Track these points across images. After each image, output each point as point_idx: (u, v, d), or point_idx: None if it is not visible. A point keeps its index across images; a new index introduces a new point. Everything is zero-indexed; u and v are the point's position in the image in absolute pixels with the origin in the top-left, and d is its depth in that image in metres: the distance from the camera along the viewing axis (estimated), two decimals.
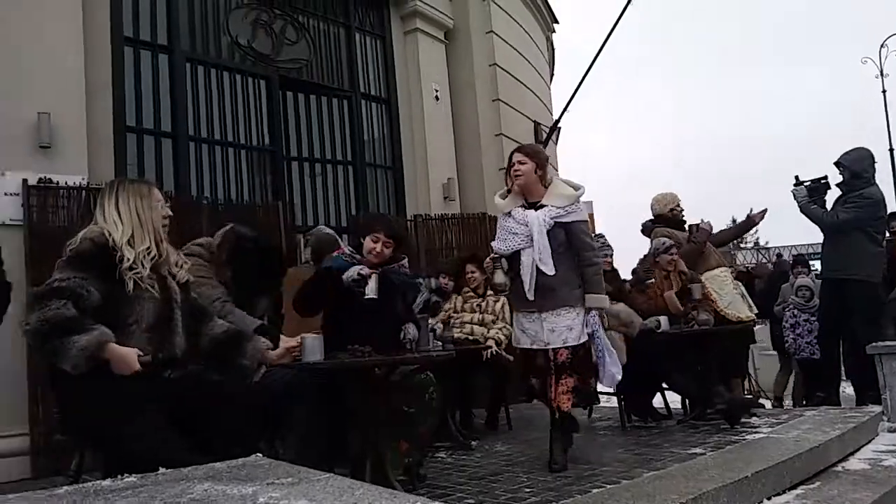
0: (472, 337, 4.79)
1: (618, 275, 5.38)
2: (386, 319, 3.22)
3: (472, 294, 5.01)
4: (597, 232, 5.30)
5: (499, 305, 4.92)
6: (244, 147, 5.90)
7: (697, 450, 3.76)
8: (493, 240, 3.70)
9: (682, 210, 5.61)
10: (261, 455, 1.75)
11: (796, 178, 5.55)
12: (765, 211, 5.71)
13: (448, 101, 7.36)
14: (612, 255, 5.23)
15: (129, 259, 2.20)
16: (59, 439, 2.46)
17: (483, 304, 4.96)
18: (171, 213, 2.47)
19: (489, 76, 7.56)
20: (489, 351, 4.61)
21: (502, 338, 4.74)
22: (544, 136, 8.54)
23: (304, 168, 6.43)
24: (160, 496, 1.31)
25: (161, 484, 1.44)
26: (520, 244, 3.50)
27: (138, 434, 2.03)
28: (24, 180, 4.45)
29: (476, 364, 4.59)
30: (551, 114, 9.29)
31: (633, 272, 5.44)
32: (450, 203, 7.04)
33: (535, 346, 3.55)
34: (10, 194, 4.44)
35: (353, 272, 3.06)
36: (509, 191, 3.63)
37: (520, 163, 3.54)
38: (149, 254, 2.28)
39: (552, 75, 10.53)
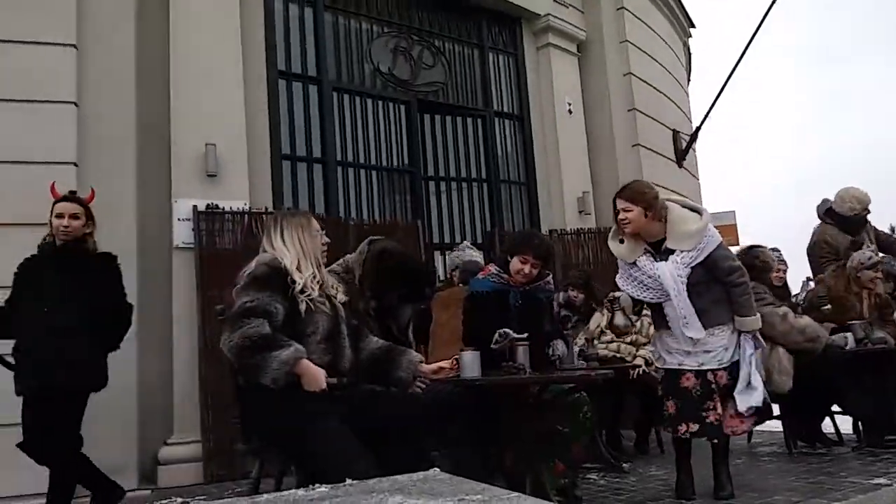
0: (619, 355, 4.65)
1: (788, 291, 5.02)
2: (533, 337, 3.20)
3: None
4: (771, 245, 4.83)
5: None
6: (385, 169, 6.13)
7: (881, 480, 3.42)
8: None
9: (868, 212, 5.10)
10: (438, 469, 1.78)
11: None
12: None
13: (581, 114, 7.27)
14: (785, 271, 4.89)
15: (300, 283, 2.37)
16: (240, 448, 2.60)
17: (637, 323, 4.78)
18: (328, 240, 2.65)
19: (624, 86, 7.39)
20: (638, 370, 4.45)
21: (651, 357, 4.57)
22: (684, 144, 8.21)
23: (440, 187, 6.57)
24: None
25: (352, 495, 1.50)
26: (655, 298, 3.25)
27: (323, 442, 2.13)
28: (194, 206, 4.86)
29: (624, 383, 4.44)
30: (690, 121, 8.93)
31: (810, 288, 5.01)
32: (585, 217, 6.93)
33: (684, 367, 3.25)
34: (183, 220, 4.87)
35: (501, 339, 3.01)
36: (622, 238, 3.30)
37: (625, 210, 3.20)
38: (314, 279, 2.44)
39: (689, 80, 10.13)
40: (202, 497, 4.10)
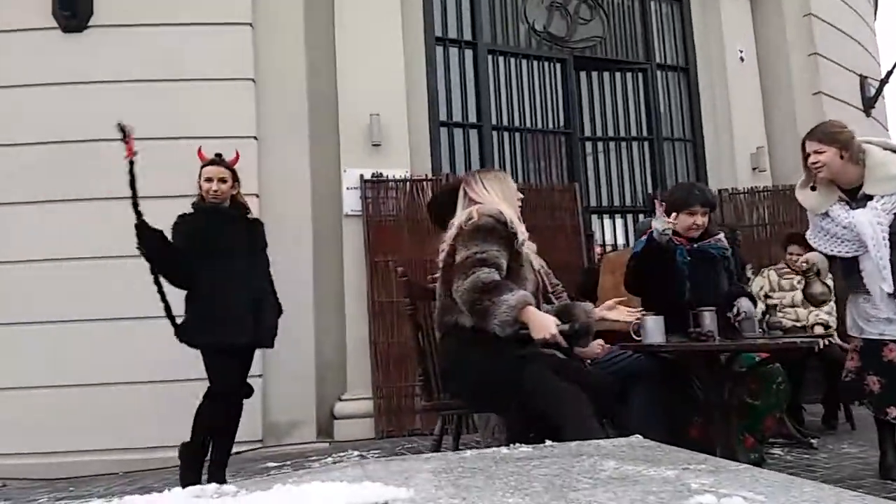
0: (801, 323, 4.27)
1: None
2: (710, 297, 2.99)
3: (787, 271, 4.45)
4: None
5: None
6: (540, 131, 6.01)
7: None
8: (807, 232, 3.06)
9: None
10: (639, 436, 1.70)
11: None
12: None
13: (755, 63, 6.64)
14: None
15: (523, 234, 2.36)
16: (422, 404, 2.66)
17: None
18: (522, 195, 2.62)
19: (804, 28, 6.65)
20: (824, 340, 4.05)
21: (831, 321, 4.16)
22: (872, 91, 7.30)
23: (597, 147, 6.33)
24: (574, 469, 1.32)
25: (561, 457, 1.46)
26: (850, 251, 2.85)
27: (531, 397, 2.12)
28: (361, 175, 5.05)
29: (808, 354, 4.07)
30: (879, 64, 7.92)
31: None
32: (760, 174, 6.37)
33: (885, 337, 2.85)
34: (351, 188, 5.08)
35: (662, 226, 2.87)
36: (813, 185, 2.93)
37: (816, 153, 2.84)
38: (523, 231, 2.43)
39: (875, 18, 8.96)
40: (377, 451, 4.31)
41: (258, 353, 4.45)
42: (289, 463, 4.12)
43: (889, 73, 7.25)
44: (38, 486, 4.13)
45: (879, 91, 7.35)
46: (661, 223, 2.87)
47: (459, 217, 2.41)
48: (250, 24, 4.83)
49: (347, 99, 5.10)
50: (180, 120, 4.57)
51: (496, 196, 2.46)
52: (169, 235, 3.10)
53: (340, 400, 4.92)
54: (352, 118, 5.07)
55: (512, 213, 2.39)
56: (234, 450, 4.35)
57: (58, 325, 4.37)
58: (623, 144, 6.37)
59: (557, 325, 2.20)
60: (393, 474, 1.38)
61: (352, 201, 5.08)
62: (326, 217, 5.04)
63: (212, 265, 3.03)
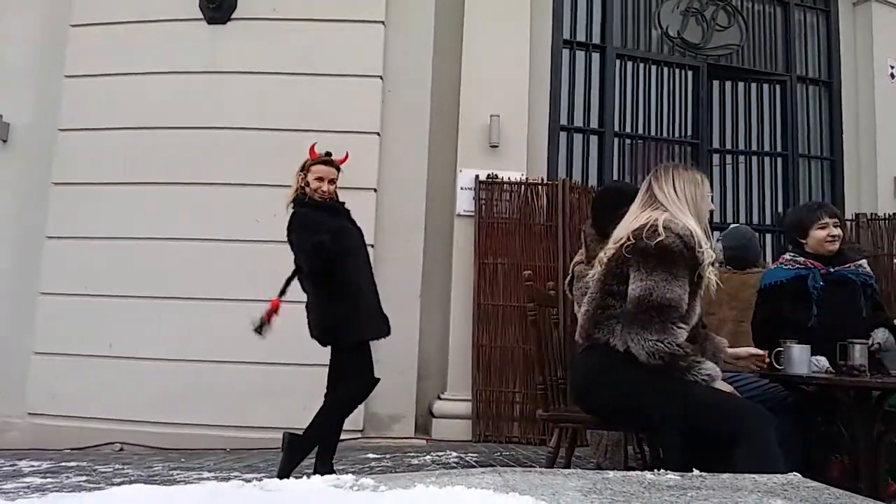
0: None
1: None
2: (848, 327, 2.72)
3: None
4: None
5: None
6: (665, 140, 5.77)
7: None
8: None
9: None
10: (798, 475, 1.55)
11: None
12: None
13: None
14: None
15: (709, 256, 2.09)
16: (540, 415, 2.58)
17: None
18: (714, 206, 2.35)
19: None
20: None
21: None
22: None
23: (725, 160, 6.01)
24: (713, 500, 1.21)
25: (719, 490, 1.35)
26: None
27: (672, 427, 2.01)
28: (476, 176, 5.02)
29: None
30: None
31: None
32: None
33: None
34: (465, 188, 5.06)
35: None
36: None
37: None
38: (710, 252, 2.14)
39: None
40: (474, 454, 4.26)
41: None
42: (388, 456, 4.14)
43: None
44: (152, 453, 4.37)
45: None
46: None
47: (635, 221, 2.14)
48: (382, 23, 4.91)
49: (469, 99, 5.08)
50: (308, 112, 4.72)
51: (687, 205, 2.15)
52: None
53: (440, 399, 4.91)
54: (471, 118, 5.05)
55: (701, 233, 2.10)
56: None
57: (185, 302, 4.61)
58: (754, 159, 6.01)
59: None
60: (536, 487, 1.31)
61: (465, 202, 5.05)
62: (439, 216, 5.04)
63: (346, 263, 3.03)
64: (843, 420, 2.53)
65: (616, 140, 5.59)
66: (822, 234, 2.88)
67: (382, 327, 3.15)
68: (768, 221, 5.87)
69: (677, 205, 2.15)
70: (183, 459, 4.12)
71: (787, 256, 3.01)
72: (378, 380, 3.18)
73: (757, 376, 2.65)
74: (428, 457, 4.16)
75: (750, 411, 2.02)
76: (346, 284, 3.03)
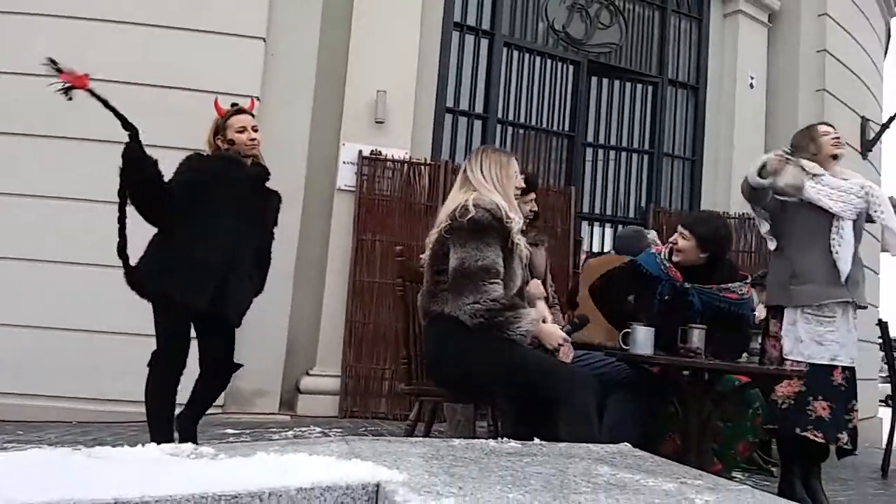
0: None
1: None
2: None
3: None
4: None
5: None
6: (544, 131, 5.95)
7: None
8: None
9: None
10: (629, 445, 1.66)
11: None
12: None
13: (763, 90, 6.67)
14: None
15: (516, 223, 2.30)
16: (401, 388, 2.61)
17: None
18: (524, 185, 2.55)
19: (815, 63, 6.67)
20: None
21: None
22: (871, 134, 7.36)
23: (597, 154, 6.30)
24: (569, 471, 1.28)
25: (553, 457, 1.42)
26: (844, 210, 2.87)
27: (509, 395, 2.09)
28: (360, 151, 4.96)
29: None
30: (881, 109, 7.99)
31: None
32: None
33: (838, 363, 2.82)
34: (347, 163, 4.99)
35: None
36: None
37: (837, 132, 3.08)
38: (518, 221, 2.35)
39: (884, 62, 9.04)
40: (338, 429, 4.25)
41: None
42: (248, 432, 4.04)
43: (891, 119, 7.31)
44: None
45: (879, 135, 7.40)
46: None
47: (451, 203, 2.37)
48: None
49: (356, 71, 4.99)
50: (185, 69, 4.44)
51: (494, 184, 2.39)
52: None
53: (308, 374, 4.84)
54: (358, 92, 4.98)
55: (507, 205, 2.33)
56: None
57: (23, 263, 4.23)
58: (623, 154, 6.35)
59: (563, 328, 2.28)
60: (381, 455, 1.32)
61: (347, 176, 4.98)
62: (319, 188, 4.94)
63: (205, 216, 2.67)
64: (679, 400, 2.73)
65: (499, 126, 5.71)
66: (672, 238, 2.99)
67: (197, 297, 2.62)
68: (632, 215, 6.23)
69: (484, 185, 2.39)
70: (20, 432, 3.80)
71: (664, 253, 3.03)
72: (182, 357, 2.72)
73: (604, 355, 2.81)
74: (290, 432, 4.10)
75: (568, 374, 2.18)
76: (178, 233, 2.66)
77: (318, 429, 4.22)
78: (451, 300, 2.23)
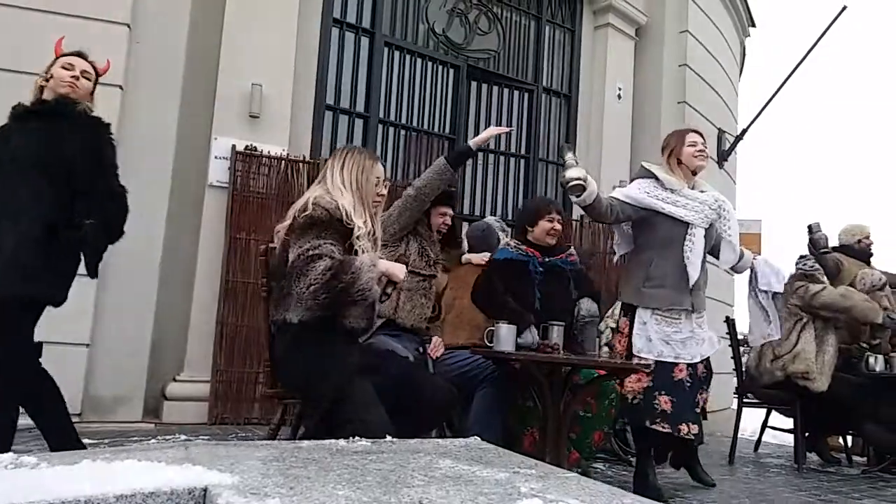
0: None
1: None
2: (559, 311, 3.12)
3: None
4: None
5: None
6: (426, 132, 6.01)
7: None
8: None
9: (871, 243, 5.09)
10: (477, 438, 1.72)
11: None
12: None
13: (630, 101, 7.09)
14: None
15: (359, 228, 2.25)
16: (265, 392, 2.55)
17: None
18: (385, 192, 2.48)
19: (677, 77, 7.18)
20: None
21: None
22: (728, 145, 8.01)
23: (477, 157, 6.44)
24: (409, 465, 1.30)
25: (399, 453, 1.44)
26: (697, 219, 3.10)
27: (350, 395, 2.07)
28: (233, 146, 4.79)
29: None
30: (736, 122, 8.71)
31: None
32: None
33: (680, 360, 3.07)
34: (220, 158, 4.80)
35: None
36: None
37: (704, 145, 3.25)
38: (365, 226, 2.30)
39: (739, 80, 9.87)
40: (206, 436, 4.09)
41: (85, 318, 4.08)
42: (107, 441, 3.80)
43: (744, 131, 7.98)
44: None
45: (733, 146, 8.07)
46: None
47: (298, 203, 2.31)
48: None
49: (229, 62, 4.81)
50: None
51: (350, 185, 2.33)
52: None
53: (175, 380, 4.62)
54: (231, 84, 4.79)
55: (350, 206, 2.25)
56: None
57: None
58: (501, 159, 6.53)
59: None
60: (219, 459, 1.29)
61: (219, 171, 4.79)
62: (189, 183, 4.71)
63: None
64: (538, 393, 2.85)
65: (381, 126, 5.70)
66: (548, 227, 3.24)
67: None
68: (510, 217, 6.42)
69: (339, 186, 2.32)
70: None
71: (511, 243, 3.33)
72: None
73: (469, 353, 2.89)
74: (153, 441, 3.90)
75: (349, 376, 2.11)
76: None
77: (183, 436, 4.04)
78: (294, 300, 2.17)
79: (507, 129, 3.80)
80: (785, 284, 4.15)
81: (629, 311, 3.16)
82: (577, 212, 6.47)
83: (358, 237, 2.23)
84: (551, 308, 3.10)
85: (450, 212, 3.40)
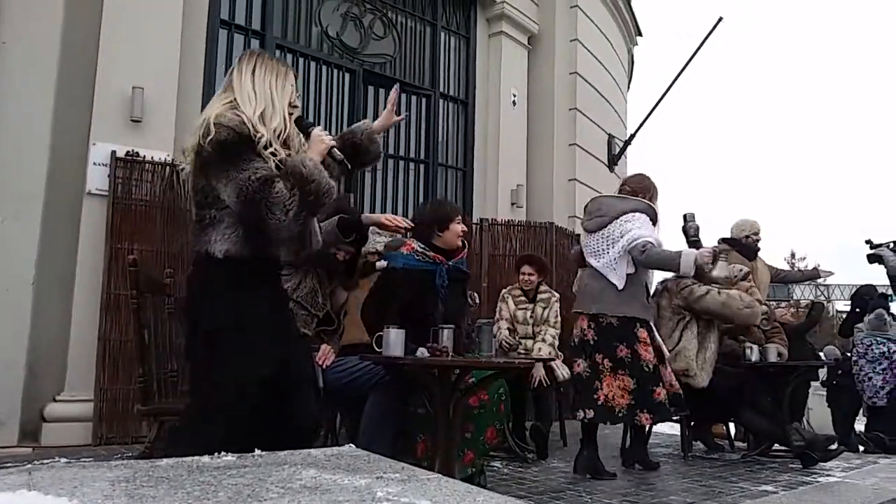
0: (529, 351, 4.73)
1: None
2: (455, 314, 3.16)
3: (523, 298, 4.91)
4: None
5: (549, 313, 4.83)
6: None
7: (768, 487, 3.59)
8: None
9: (759, 239, 5.46)
10: (353, 445, 1.70)
11: (869, 242, 5.83)
12: (830, 273, 6.09)
13: (525, 107, 7.28)
14: None
15: (264, 136, 2.03)
16: (138, 409, 2.43)
17: (533, 309, 4.86)
18: (299, 104, 2.26)
19: (568, 84, 7.46)
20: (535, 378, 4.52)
21: (552, 351, 4.69)
22: (617, 150, 8.38)
23: (376, 164, 6.43)
24: (269, 479, 1.27)
25: (262, 466, 1.41)
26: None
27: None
28: (113, 152, 4.55)
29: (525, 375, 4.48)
30: (625, 127, 9.13)
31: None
32: (517, 210, 6.96)
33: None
34: (99, 164, 4.55)
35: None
36: None
37: None
38: (276, 133, 2.09)
39: (628, 88, 10.36)
40: (88, 458, 3.87)
41: None
42: None
43: (632, 136, 8.38)
44: None
45: (623, 150, 8.46)
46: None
47: (204, 115, 2.05)
48: None
49: (108, 65, 4.56)
50: None
51: (259, 91, 2.09)
52: None
53: (55, 400, 4.33)
54: (110, 87, 4.55)
55: (257, 119, 2.03)
56: None
57: None
58: (401, 164, 6.55)
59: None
60: (62, 482, 1.21)
61: (98, 179, 4.52)
62: (65, 192, 4.44)
63: None
64: (429, 398, 2.87)
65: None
66: (458, 229, 3.18)
67: None
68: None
69: (248, 93, 2.09)
70: None
71: (417, 247, 3.14)
72: None
73: (359, 359, 2.87)
74: (28, 465, 3.64)
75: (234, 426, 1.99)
76: None
77: (63, 460, 3.79)
78: (219, 232, 2.00)
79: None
80: (669, 283, 4.40)
81: (643, 323, 3.72)
82: (476, 215, 6.61)
83: (265, 146, 2.02)
84: (449, 315, 3.10)
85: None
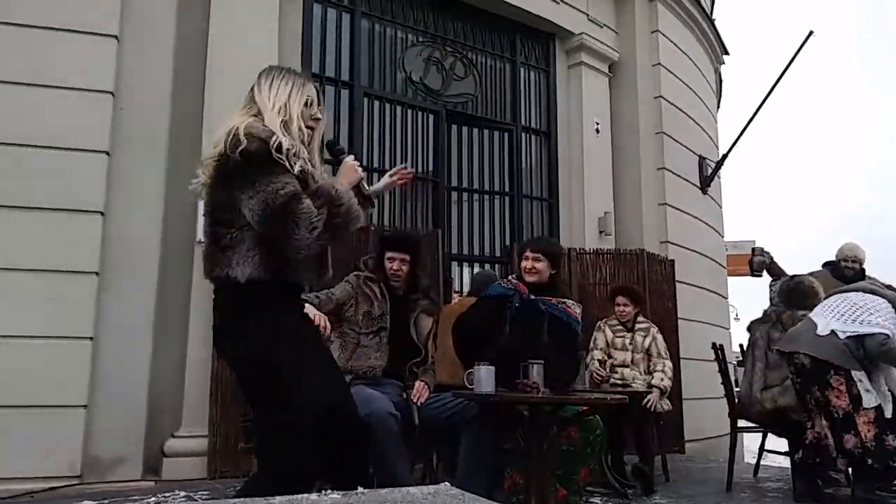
0: (626, 382, 4.65)
1: None
2: (530, 350, 3.14)
3: (621, 328, 4.84)
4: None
5: (657, 345, 4.74)
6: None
7: None
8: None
9: (855, 266, 5.14)
10: (447, 484, 1.77)
11: None
12: None
13: (609, 135, 7.25)
14: None
15: (293, 147, 1.98)
16: (241, 447, 2.59)
17: (632, 338, 4.78)
18: (321, 116, 2.21)
19: (653, 109, 7.37)
20: (651, 401, 4.44)
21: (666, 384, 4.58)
22: (709, 171, 8.16)
23: (462, 197, 6.58)
24: None
25: None
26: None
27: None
28: None
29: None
30: (717, 147, 8.88)
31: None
32: (605, 238, 6.89)
33: None
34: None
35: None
36: None
37: None
38: (293, 149, 2.00)
39: (718, 107, 10.08)
40: (205, 492, 4.12)
41: (82, 381, 4.16)
42: (106, 501, 3.85)
43: (724, 157, 8.14)
44: None
45: (715, 171, 8.22)
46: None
47: (225, 128, 2.00)
48: (116, 37, 4.60)
49: (212, 127, 4.92)
50: (31, 125, 4.27)
51: (277, 105, 2.06)
52: None
53: (173, 436, 4.65)
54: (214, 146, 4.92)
55: (282, 135, 1.97)
56: (50, 485, 4.04)
57: None
58: (486, 197, 6.67)
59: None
60: None
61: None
62: (179, 239, 4.79)
63: None
64: (522, 434, 2.90)
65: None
66: (522, 265, 3.32)
67: None
68: (497, 253, 6.53)
69: (267, 106, 2.06)
70: None
71: (509, 278, 3.41)
72: None
73: (452, 395, 2.95)
74: (153, 498, 3.94)
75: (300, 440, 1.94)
76: None
77: (182, 493, 4.07)
78: (255, 253, 1.94)
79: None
80: (784, 314, 4.27)
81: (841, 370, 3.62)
82: (564, 245, 6.58)
83: (296, 154, 1.97)
84: (519, 346, 3.05)
85: (399, 256, 3.42)
